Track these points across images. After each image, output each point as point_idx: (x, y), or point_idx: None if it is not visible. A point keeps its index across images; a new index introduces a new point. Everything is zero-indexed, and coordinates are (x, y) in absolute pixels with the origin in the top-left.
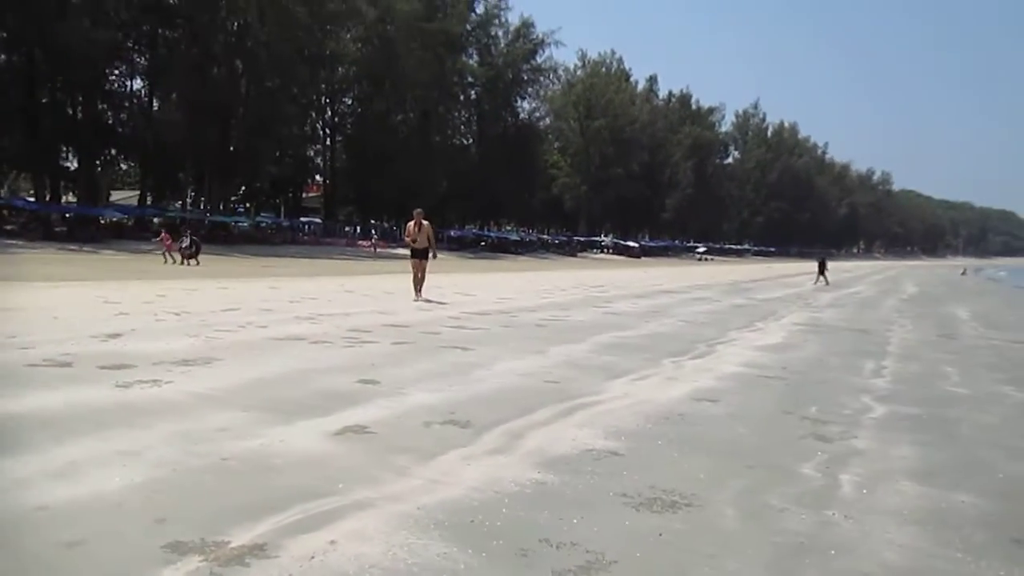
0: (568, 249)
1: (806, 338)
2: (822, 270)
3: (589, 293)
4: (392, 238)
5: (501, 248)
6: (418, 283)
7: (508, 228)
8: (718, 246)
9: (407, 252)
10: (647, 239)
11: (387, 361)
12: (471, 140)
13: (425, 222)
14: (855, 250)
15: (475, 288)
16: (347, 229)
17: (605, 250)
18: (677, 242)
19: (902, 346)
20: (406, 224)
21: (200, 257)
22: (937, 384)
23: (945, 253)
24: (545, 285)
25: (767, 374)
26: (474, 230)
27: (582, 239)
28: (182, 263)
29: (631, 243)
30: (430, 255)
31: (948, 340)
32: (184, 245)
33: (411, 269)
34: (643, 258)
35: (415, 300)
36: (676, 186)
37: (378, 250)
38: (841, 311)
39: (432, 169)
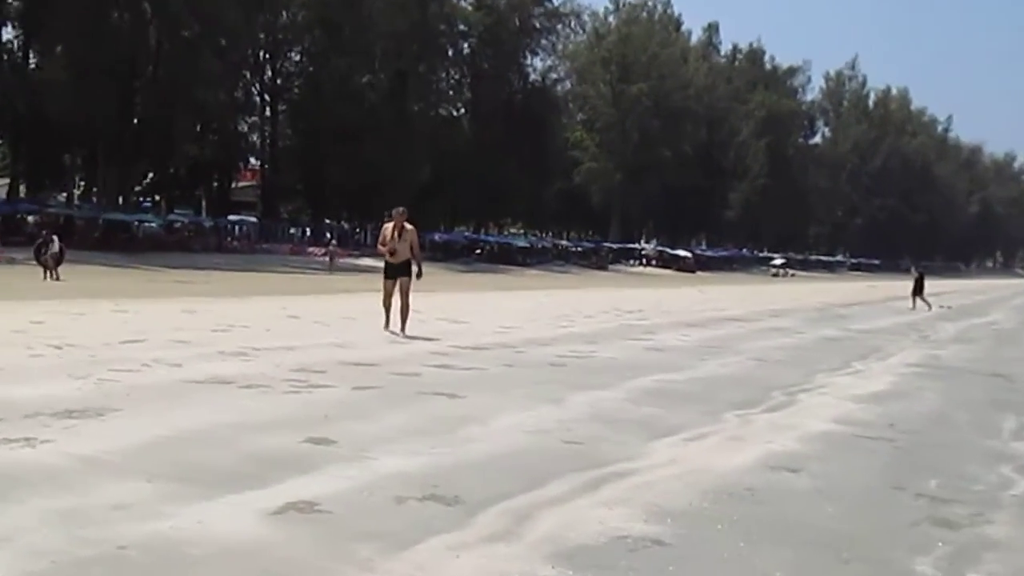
0: (595, 260)
1: (922, 384)
2: (919, 290)
3: (624, 320)
4: (355, 244)
5: (503, 258)
6: (395, 311)
7: (513, 231)
8: (801, 257)
9: (378, 265)
10: (704, 247)
11: (346, 412)
12: (463, 111)
13: (409, 226)
14: (990, 263)
15: (468, 312)
16: (292, 232)
17: (646, 261)
18: (745, 251)
19: None
20: (380, 226)
21: (83, 268)
22: None
23: None
24: (563, 309)
25: (868, 433)
26: (467, 233)
27: (614, 246)
28: (45, 276)
29: (682, 252)
30: (414, 273)
31: None
32: (52, 251)
33: (384, 290)
34: (698, 272)
35: (385, 329)
36: (744, 175)
37: (336, 261)
38: (970, 348)
39: (409, 150)
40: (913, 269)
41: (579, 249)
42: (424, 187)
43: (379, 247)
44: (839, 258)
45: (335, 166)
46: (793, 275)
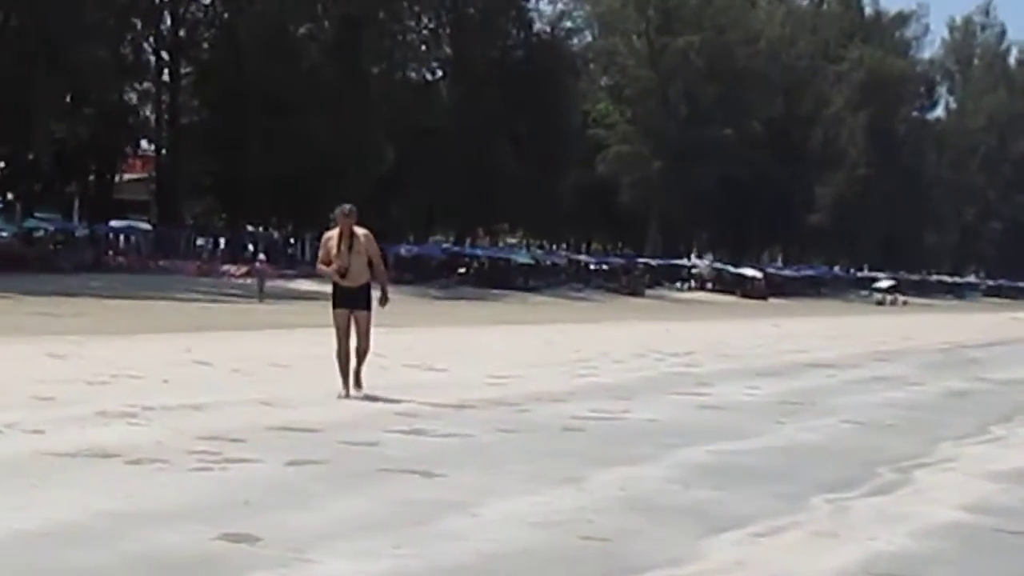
0: (627, 282)
1: None
2: None
3: (668, 367)
4: (288, 261)
5: (498, 279)
6: (350, 359)
7: (512, 242)
8: (916, 277)
9: (320, 289)
10: (779, 263)
11: (276, 498)
12: (440, 74)
13: (362, 231)
14: None
15: (448, 356)
16: (201, 243)
17: (698, 284)
18: (837, 269)
19: None
20: (322, 236)
21: None
22: None
23: None
24: (583, 350)
25: (1013, 527)
26: (446, 245)
27: (654, 263)
28: None
29: (748, 271)
30: (374, 300)
31: None
32: None
33: (336, 329)
34: (771, 299)
35: (343, 396)
36: (836, 162)
37: (265, 284)
38: None
39: (364, 128)
40: None
41: (604, 267)
42: (386, 180)
43: (321, 267)
44: (970, 279)
45: (260, 152)
46: (905, 302)
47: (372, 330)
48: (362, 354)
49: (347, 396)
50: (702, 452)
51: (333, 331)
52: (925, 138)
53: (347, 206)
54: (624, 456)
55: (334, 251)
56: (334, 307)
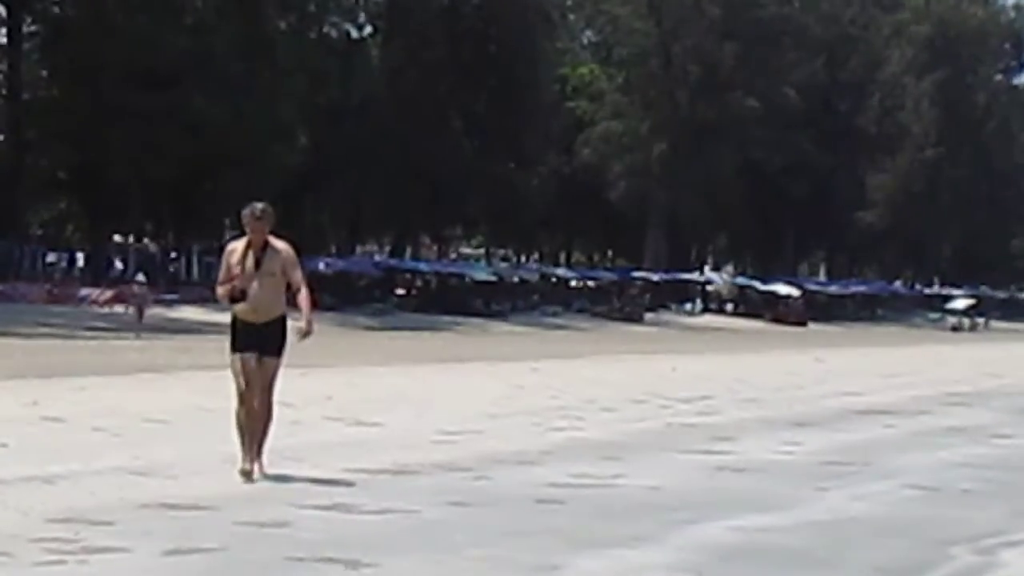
0: (622, 304)
1: None
2: None
3: (675, 415)
4: (170, 281)
5: (451, 302)
6: (256, 423)
7: (468, 251)
8: (1004, 295)
9: (213, 319)
10: (823, 277)
11: None
12: (370, 30)
13: (281, 244)
14: None
15: (382, 405)
16: (52, 260)
17: (716, 306)
18: (899, 284)
19: None
20: (223, 251)
21: None
22: None
23: None
24: (562, 395)
25: None
26: (380, 259)
27: (656, 279)
28: None
29: (782, 288)
30: (292, 333)
31: None
32: None
33: (236, 379)
34: (812, 325)
35: (246, 472)
36: (896, 143)
37: (144, 313)
38: None
39: (269, 104)
40: None
41: (590, 285)
42: (298, 173)
43: (219, 289)
44: None
45: (130, 138)
46: (986, 327)
47: (281, 374)
48: (265, 422)
49: (250, 474)
50: (721, 530)
51: (231, 380)
52: (1013, 109)
53: (259, 205)
54: (617, 536)
55: (236, 269)
56: (233, 349)
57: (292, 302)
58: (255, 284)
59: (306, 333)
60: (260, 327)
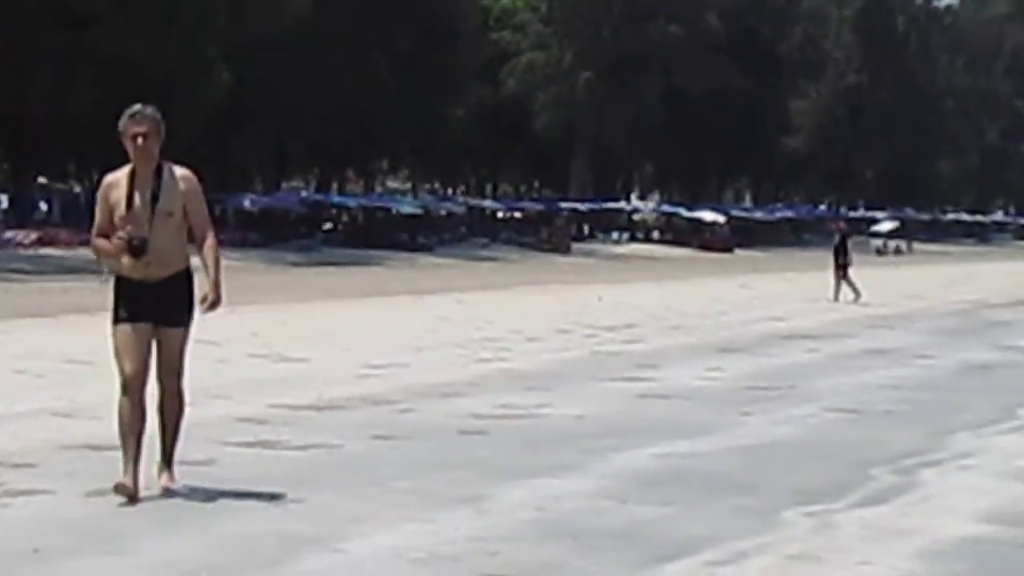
0: (549, 235)
1: None
2: (842, 270)
3: (601, 344)
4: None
5: (378, 237)
6: (143, 422)
7: (394, 186)
8: (927, 217)
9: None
10: (749, 203)
11: (75, 542)
12: None
13: (180, 171)
14: None
15: (308, 341)
16: None
17: (643, 234)
18: (823, 208)
19: None
20: (99, 184)
21: None
22: None
23: None
24: (488, 326)
25: None
26: (306, 194)
27: (583, 208)
28: None
29: (707, 215)
30: (199, 302)
31: None
32: None
33: (119, 360)
34: (738, 251)
35: (124, 490)
36: (819, 69)
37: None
38: None
39: (193, 41)
40: (840, 232)
41: (517, 216)
42: (222, 111)
43: (98, 242)
44: (996, 216)
45: (50, 77)
46: (910, 251)
47: (189, 350)
48: (174, 412)
49: (134, 496)
50: (644, 457)
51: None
52: (933, 34)
53: (138, 108)
54: (541, 465)
55: (121, 210)
56: (116, 319)
57: None
58: (148, 226)
59: (213, 303)
60: (156, 287)
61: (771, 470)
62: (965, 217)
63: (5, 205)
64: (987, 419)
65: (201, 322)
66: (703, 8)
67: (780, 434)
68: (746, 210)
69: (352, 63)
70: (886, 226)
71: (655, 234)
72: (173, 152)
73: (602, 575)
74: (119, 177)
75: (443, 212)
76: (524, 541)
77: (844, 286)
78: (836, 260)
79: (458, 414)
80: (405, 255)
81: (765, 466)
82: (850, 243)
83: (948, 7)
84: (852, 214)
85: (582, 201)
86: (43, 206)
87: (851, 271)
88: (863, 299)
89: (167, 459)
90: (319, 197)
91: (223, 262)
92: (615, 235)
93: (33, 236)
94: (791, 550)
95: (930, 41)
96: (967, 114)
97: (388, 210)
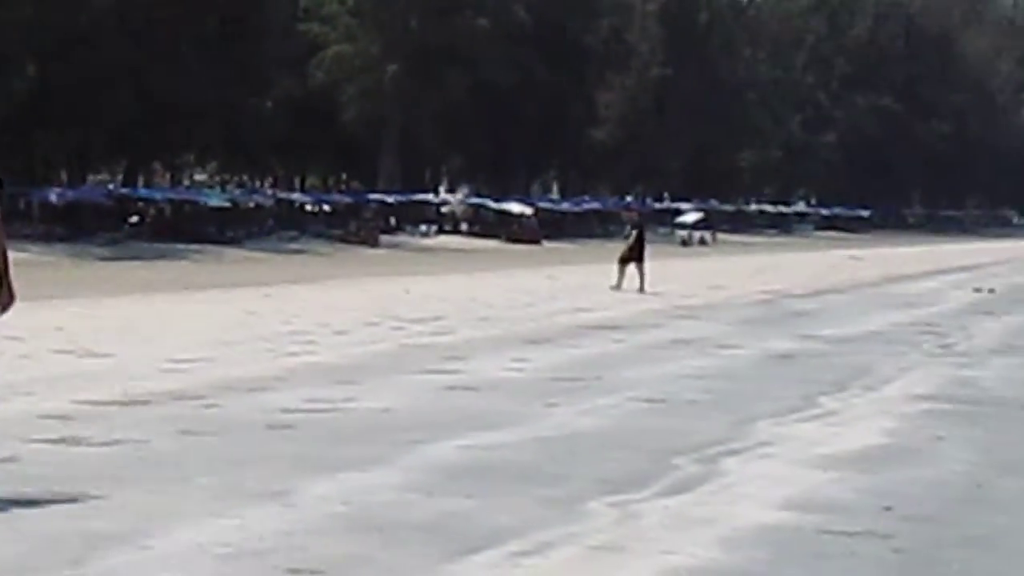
0: (358, 228)
1: (941, 432)
2: (635, 254)
3: (408, 337)
4: None
5: (184, 230)
6: None
7: (201, 179)
8: (732, 208)
9: None
10: (555, 196)
11: None
12: None
13: None
14: None
15: (113, 336)
16: None
17: (450, 225)
18: (631, 200)
19: None
20: None
21: None
22: None
23: None
24: (295, 320)
25: (847, 527)
26: (112, 187)
27: (391, 201)
28: None
29: (515, 207)
30: None
31: None
32: None
33: None
34: (546, 243)
35: None
36: (624, 62)
37: None
38: None
39: None
40: (632, 222)
41: (326, 208)
42: (25, 104)
43: None
44: (798, 207)
45: None
46: (716, 240)
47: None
48: None
49: None
50: (450, 449)
51: None
52: (736, 27)
53: None
54: (348, 459)
55: None
56: None
57: None
58: None
59: (5, 305)
60: None
61: (576, 461)
62: (768, 208)
63: None
64: (788, 408)
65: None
66: (510, 0)
67: (585, 425)
68: (553, 202)
69: (158, 55)
70: (691, 217)
71: (463, 226)
72: None
73: (408, 568)
74: None
75: (251, 205)
76: (331, 535)
77: (628, 273)
78: (628, 249)
79: (265, 409)
80: (213, 248)
81: (570, 457)
82: (645, 233)
83: (751, 1)
84: (658, 205)
85: (391, 193)
86: None
87: (644, 262)
88: (647, 290)
89: None
90: (125, 191)
91: (23, 255)
92: (423, 227)
93: None
94: (595, 540)
95: (733, 34)
96: (769, 106)
97: (196, 203)
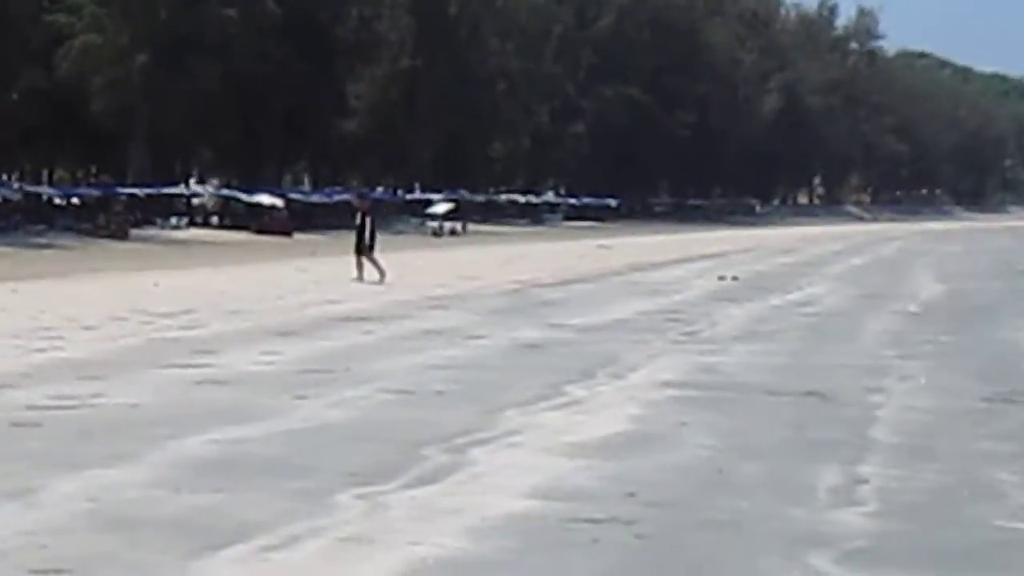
0: (106, 221)
1: (685, 418)
2: (366, 249)
3: (157, 331)
4: None
5: None
6: None
7: None
8: (482, 199)
9: None
10: (306, 187)
11: None
12: None
13: None
14: (805, 198)
15: None
16: None
17: (200, 217)
18: (382, 190)
19: (906, 427)
20: None
21: None
22: (986, 515)
23: (1005, 200)
24: (41, 316)
25: (591, 514)
26: None
27: (140, 193)
28: None
29: (266, 198)
30: None
31: (1010, 407)
32: None
33: None
34: (296, 235)
35: None
36: (374, 52)
37: None
38: (769, 348)
39: None
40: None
41: (74, 202)
42: None
43: None
44: (548, 198)
45: None
46: (467, 231)
47: None
48: None
49: None
50: (199, 444)
51: None
52: (485, 17)
53: None
54: (94, 456)
55: None
56: None
57: None
58: None
59: None
60: None
61: (325, 453)
62: (518, 198)
63: None
64: (536, 396)
65: None
66: None
67: (334, 417)
68: (304, 193)
69: None
70: (441, 208)
71: (214, 219)
72: None
73: (154, 565)
74: None
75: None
76: (76, 533)
77: (369, 265)
78: (359, 239)
79: (10, 406)
80: None
81: (319, 449)
82: (373, 221)
83: None
84: (409, 196)
85: (140, 186)
86: None
87: (376, 251)
88: (392, 281)
89: None
90: None
91: None
92: (174, 220)
93: None
94: (343, 533)
95: (482, 25)
96: (518, 96)
97: None
